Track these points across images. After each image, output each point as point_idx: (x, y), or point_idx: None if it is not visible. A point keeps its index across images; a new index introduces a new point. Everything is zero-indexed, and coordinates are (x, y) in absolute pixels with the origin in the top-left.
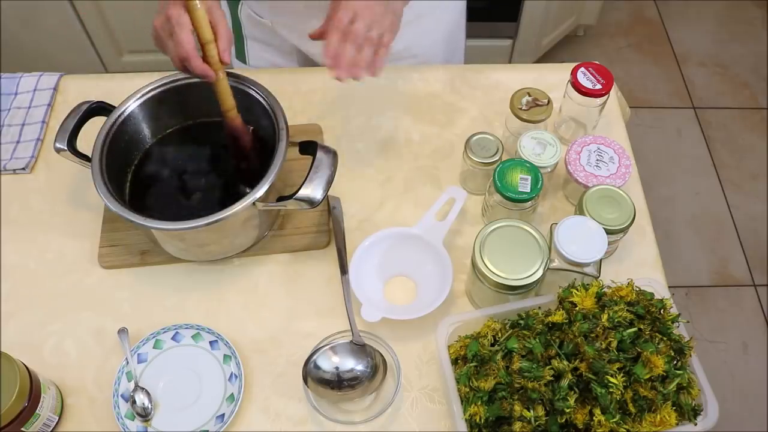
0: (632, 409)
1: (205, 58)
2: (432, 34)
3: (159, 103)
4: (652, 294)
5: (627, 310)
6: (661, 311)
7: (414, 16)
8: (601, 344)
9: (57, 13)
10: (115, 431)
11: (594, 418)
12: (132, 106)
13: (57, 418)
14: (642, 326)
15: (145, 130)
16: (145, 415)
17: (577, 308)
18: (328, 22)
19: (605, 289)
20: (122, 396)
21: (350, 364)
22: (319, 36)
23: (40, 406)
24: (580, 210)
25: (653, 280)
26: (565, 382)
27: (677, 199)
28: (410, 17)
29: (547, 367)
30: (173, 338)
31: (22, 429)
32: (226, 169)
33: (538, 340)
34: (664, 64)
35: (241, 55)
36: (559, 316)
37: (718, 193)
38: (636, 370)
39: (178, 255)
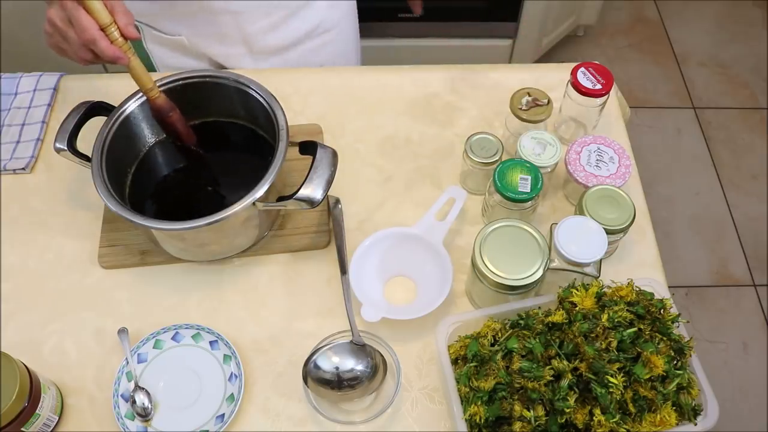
0: (632, 409)
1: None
2: (339, 6)
3: None
4: (652, 294)
5: (627, 310)
6: (661, 311)
7: None
8: (601, 344)
9: None
10: (115, 431)
11: (594, 418)
12: (132, 106)
13: (57, 418)
14: (642, 326)
15: (145, 130)
16: (145, 415)
17: (577, 308)
18: None
19: (605, 289)
20: (122, 396)
21: (350, 364)
22: None
23: (40, 406)
24: (580, 210)
25: (653, 280)
26: (565, 382)
27: (677, 198)
28: None
29: (547, 367)
30: (173, 338)
31: (22, 429)
32: (226, 169)
33: (538, 340)
34: (664, 64)
35: None
36: (559, 316)
37: (718, 193)
38: (636, 370)
39: (178, 255)
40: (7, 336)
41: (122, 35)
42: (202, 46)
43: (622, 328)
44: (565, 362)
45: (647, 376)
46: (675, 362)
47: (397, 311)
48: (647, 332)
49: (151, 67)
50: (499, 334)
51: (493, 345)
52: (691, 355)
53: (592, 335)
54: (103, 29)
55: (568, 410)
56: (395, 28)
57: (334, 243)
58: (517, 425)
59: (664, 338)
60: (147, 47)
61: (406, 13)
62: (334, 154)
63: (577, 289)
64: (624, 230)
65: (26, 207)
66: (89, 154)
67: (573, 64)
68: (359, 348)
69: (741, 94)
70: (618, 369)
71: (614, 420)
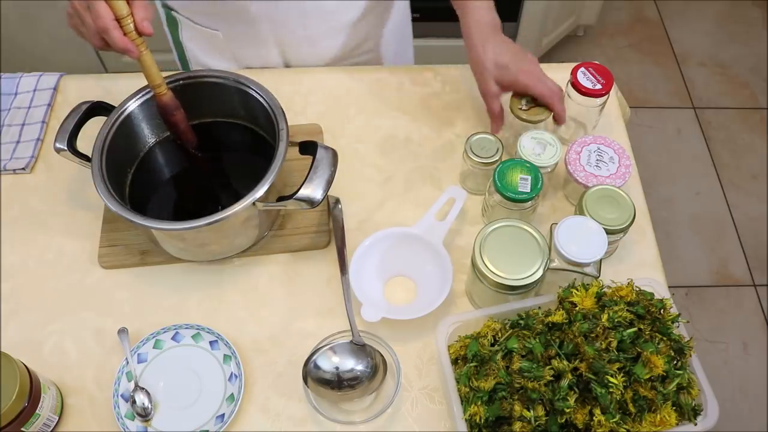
0: (632, 409)
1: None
2: (379, 27)
3: None
4: (652, 294)
5: (627, 310)
6: (661, 311)
7: (359, 14)
8: (601, 344)
9: (57, 13)
10: (115, 431)
11: (594, 418)
12: (132, 106)
13: (57, 418)
14: (642, 326)
15: (145, 130)
16: (145, 415)
17: (577, 308)
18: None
19: (605, 289)
20: (122, 396)
21: (350, 364)
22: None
23: (40, 406)
24: (580, 210)
25: (653, 280)
26: (565, 382)
27: (677, 199)
28: (355, 15)
29: (547, 367)
30: (173, 338)
31: (22, 429)
32: (226, 170)
33: (538, 340)
34: (664, 64)
35: None
36: (559, 316)
37: (718, 193)
38: (636, 370)
39: (178, 255)
40: (7, 336)
41: (137, 29)
42: (237, 49)
43: (622, 328)
44: (565, 362)
45: (647, 376)
46: (675, 362)
47: (397, 311)
48: (647, 332)
49: (185, 63)
50: (499, 334)
51: (493, 345)
52: (691, 355)
53: (592, 335)
54: (119, 20)
55: (568, 410)
56: None
57: (334, 243)
58: (517, 425)
59: (664, 338)
60: (183, 42)
61: None
62: (335, 154)
63: (577, 289)
64: (624, 230)
65: (26, 207)
66: (89, 154)
67: (573, 64)
68: (359, 348)
69: (741, 94)
70: (618, 369)
71: (614, 420)
